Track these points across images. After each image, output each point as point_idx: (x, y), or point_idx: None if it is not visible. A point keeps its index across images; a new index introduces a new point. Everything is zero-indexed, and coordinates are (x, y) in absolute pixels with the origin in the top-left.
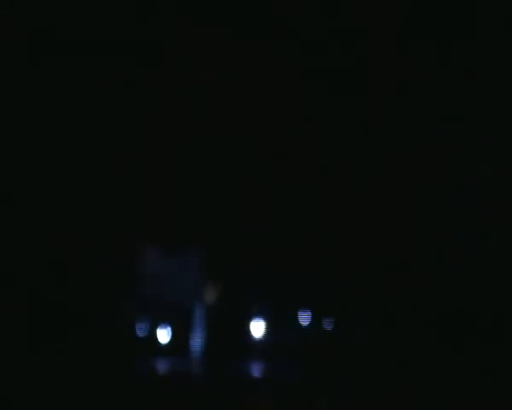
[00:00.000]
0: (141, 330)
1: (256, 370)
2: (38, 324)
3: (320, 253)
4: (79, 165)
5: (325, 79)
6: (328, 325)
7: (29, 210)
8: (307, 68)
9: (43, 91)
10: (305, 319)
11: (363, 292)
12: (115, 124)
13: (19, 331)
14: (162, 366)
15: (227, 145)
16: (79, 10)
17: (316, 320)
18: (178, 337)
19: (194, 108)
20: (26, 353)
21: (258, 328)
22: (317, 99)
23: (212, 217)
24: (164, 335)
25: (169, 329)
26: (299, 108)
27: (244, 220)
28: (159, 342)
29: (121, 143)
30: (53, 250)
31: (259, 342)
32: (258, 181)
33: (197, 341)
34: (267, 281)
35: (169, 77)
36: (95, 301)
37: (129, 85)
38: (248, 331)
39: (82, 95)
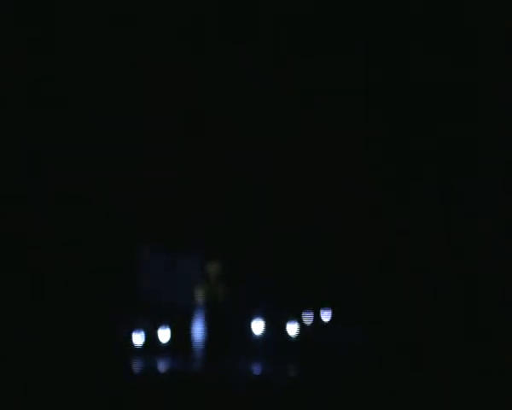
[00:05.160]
0: (141, 331)
1: (256, 369)
2: (38, 323)
3: (320, 252)
4: (78, 165)
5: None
6: (326, 323)
7: (27, 208)
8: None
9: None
10: (305, 318)
11: (362, 292)
12: (116, 121)
13: (19, 331)
14: (162, 366)
15: (227, 144)
16: None
17: (315, 320)
18: (178, 337)
19: (191, 106)
20: (25, 352)
21: (258, 327)
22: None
23: (213, 217)
24: (164, 335)
25: (169, 329)
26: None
27: (245, 220)
28: (159, 342)
29: (121, 143)
30: (53, 249)
31: (260, 341)
32: (258, 181)
33: (197, 340)
34: (268, 280)
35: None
36: (94, 301)
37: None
38: (249, 331)
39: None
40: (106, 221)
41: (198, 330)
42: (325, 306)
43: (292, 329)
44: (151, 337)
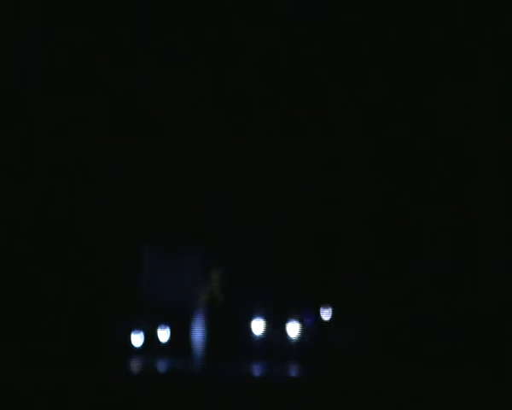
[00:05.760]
0: (141, 331)
1: (256, 370)
2: (38, 323)
3: (320, 253)
4: (80, 165)
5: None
6: (326, 325)
7: (27, 208)
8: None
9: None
10: (305, 318)
11: (362, 292)
12: (116, 121)
13: (18, 331)
14: (162, 366)
15: (227, 144)
16: None
17: (315, 320)
18: (178, 337)
19: (191, 106)
20: (25, 351)
21: (258, 327)
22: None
23: (212, 217)
24: (164, 335)
25: (169, 329)
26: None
27: (245, 220)
28: (159, 342)
29: (120, 143)
30: (53, 249)
31: (260, 341)
32: (258, 181)
33: (197, 341)
34: (268, 280)
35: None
36: (94, 301)
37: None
38: (249, 331)
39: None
40: (106, 221)
41: (198, 330)
42: (325, 306)
43: (292, 329)
44: (151, 337)
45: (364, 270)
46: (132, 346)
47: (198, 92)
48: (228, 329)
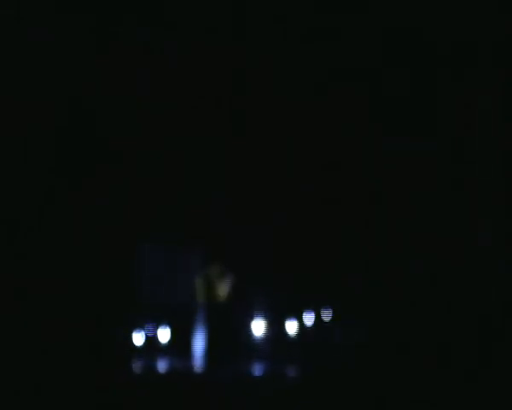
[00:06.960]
0: (141, 331)
1: (256, 370)
2: (37, 323)
3: (320, 252)
4: (80, 166)
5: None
6: (327, 323)
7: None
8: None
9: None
10: (306, 318)
11: (362, 292)
12: (116, 120)
13: (18, 331)
14: (162, 366)
15: (227, 143)
16: None
17: (316, 319)
18: (178, 337)
19: (190, 105)
20: (24, 352)
21: (258, 327)
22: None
23: (212, 217)
24: (164, 335)
25: (169, 329)
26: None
27: (245, 220)
28: (159, 342)
29: (120, 142)
30: (52, 249)
31: (260, 341)
32: (257, 181)
33: (197, 341)
34: (268, 279)
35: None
36: (94, 301)
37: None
38: (249, 331)
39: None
40: (105, 220)
41: (198, 330)
42: (325, 306)
43: (292, 329)
44: (151, 337)
45: (364, 270)
46: (133, 346)
47: (198, 92)
48: (228, 329)
